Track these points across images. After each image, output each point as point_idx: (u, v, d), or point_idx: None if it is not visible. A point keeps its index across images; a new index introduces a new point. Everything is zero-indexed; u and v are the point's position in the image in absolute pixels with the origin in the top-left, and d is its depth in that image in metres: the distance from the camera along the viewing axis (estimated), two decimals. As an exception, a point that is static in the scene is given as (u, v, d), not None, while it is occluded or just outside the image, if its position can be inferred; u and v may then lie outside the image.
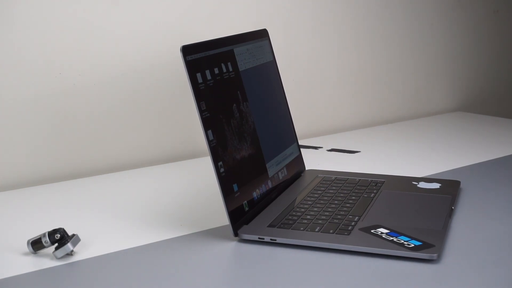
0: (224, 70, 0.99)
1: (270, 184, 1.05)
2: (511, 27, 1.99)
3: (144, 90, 1.34)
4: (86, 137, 1.29)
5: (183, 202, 1.09)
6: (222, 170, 0.91)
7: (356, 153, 1.41)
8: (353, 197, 1.05)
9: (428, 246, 0.85)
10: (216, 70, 0.96)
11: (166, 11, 1.35)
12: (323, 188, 1.10)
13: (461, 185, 1.14)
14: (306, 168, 1.22)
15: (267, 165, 1.06)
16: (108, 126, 1.32)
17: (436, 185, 1.12)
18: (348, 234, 0.90)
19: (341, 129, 1.66)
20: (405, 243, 0.86)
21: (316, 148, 1.45)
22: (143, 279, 0.80)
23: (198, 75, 0.91)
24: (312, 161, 1.30)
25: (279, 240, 0.89)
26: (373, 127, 1.68)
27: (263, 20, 1.48)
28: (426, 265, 0.82)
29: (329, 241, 0.88)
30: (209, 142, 0.90)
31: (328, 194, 1.07)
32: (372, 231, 0.91)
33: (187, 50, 0.90)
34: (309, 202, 1.03)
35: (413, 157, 1.37)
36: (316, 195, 1.06)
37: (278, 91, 1.18)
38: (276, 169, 1.08)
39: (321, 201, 1.03)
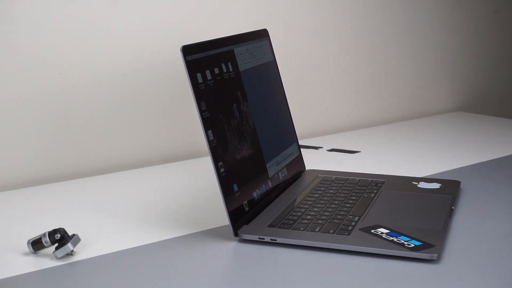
0: (224, 70, 0.99)
1: (270, 184, 1.05)
2: (511, 27, 1.99)
3: (144, 90, 1.34)
4: (86, 137, 1.29)
5: (183, 202, 1.09)
6: (222, 170, 0.91)
7: (356, 153, 1.41)
8: (353, 197, 1.05)
9: (428, 246, 0.85)
10: (216, 70, 0.96)
11: (166, 11, 1.35)
12: (323, 188, 1.10)
13: (461, 185, 1.14)
14: (306, 168, 1.22)
15: (267, 165, 1.05)
16: (108, 126, 1.32)
17: (436, 185, 1.12)
18: (348, 234, 0.90)
19: (341, 129, 1.66)
20: (405, 243, 0.86)
21: (316, 148, 1.45)
22: (143, 279, 0.80)
23: (198, 75, 0.91)
24: (312, 161, 1.30)
25: (279, 240, 0.89)
26: (373, 127, 1.68)
27: (263, 20, 1.48)
28: (426, 265, 0.82)
29: (329, 241, 0.88)
30: (209, 142, 0.90)
31: (328, 194, 1.07)
32: (372, 231, 0.91)
33: (187, 50, 0.90)
34: (309, 202, 1.03)
35: (413, 157, 1.37)
36: (316, 195, 1.06)
37: (278, 91, 1.18)
38: (276, 169, 1.08)
39: (321, 201, 1.03)
